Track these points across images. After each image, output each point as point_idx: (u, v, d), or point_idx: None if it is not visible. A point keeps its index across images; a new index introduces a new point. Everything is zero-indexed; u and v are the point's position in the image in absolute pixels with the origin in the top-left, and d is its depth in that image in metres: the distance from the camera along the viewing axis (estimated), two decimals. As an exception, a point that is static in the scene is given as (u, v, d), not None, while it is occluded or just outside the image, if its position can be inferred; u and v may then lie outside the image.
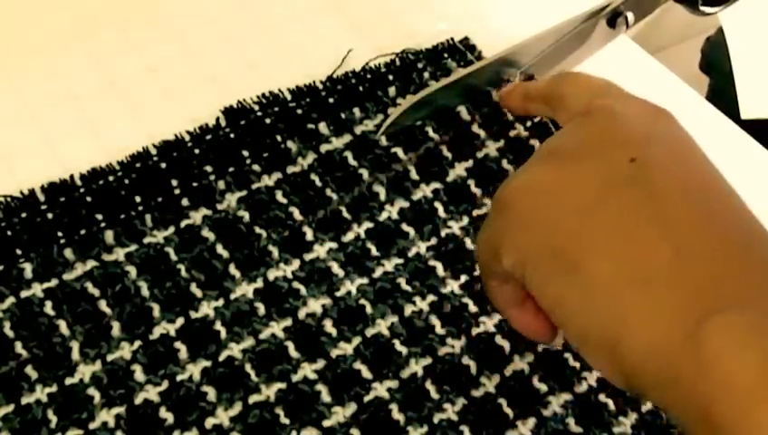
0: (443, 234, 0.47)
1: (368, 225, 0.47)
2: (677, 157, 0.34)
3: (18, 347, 0.41)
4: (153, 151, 0.48)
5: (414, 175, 0.49)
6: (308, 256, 0.45)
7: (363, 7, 0.58)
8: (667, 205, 0.32)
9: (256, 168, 0.48)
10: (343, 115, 0.50)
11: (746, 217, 0.32)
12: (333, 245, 0.46)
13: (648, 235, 0.31)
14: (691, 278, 0.30)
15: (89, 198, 0.46)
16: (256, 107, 0.50)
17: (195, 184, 0.47)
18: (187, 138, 0.49)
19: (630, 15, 0.53)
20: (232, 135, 0.49)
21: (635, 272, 0.31)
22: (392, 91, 0.52)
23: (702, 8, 0.57)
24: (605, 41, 0.54)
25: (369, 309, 0.44)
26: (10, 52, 0.54)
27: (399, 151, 0.49)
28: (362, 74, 0.52)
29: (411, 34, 0.56)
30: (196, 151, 0.48)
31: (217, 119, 0.49)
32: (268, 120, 0.50)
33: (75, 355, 0.41)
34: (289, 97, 0.51)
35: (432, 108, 0.50)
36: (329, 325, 0.43)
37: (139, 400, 0.41)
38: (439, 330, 0.44)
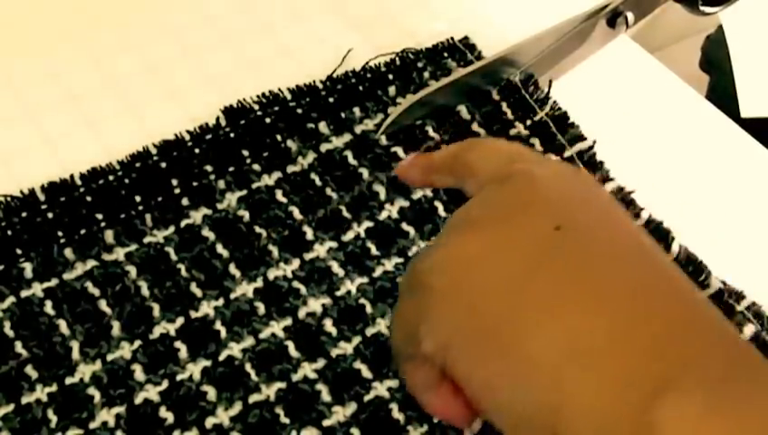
0: None
1: (368, 224, 0.47)
2: (602, 220, 0.33)
3: (18, 347, 0.41)
4: (153, 151, 0.48)
5: None
6: (308, 256, 0.45)
7: (363, 7, 0.58)
8: (598, 274, 0.30)
9: (256, 167, 0.48)
10: (343, 114, 0.50)
11: (676, 276, 0.31)
12: (333, 244, 0.46)
13: (581, 308, 0.29)
14: (632, 349, 0.28)
15: (89, 198, 0.46)
16: (256, 106, 0.50)
17: (195, 183, 0.47)
18: (187, 137, 0.49)
19: (630, 15, 0.53)
20: (232, 134, 0.49)
21: (572, 348, 0.29)
22: (392, 90, 0.51)
23: (702, 8, 0.57)
24: (605, 41, 0.54)
25: (369, 308, 0.44)
26: (10, 51, 0.54)
27: (400, 151, 0.49)
28: (362, 74, 0.52)
29: (411, 34, 0.56)
30: (197, 151, 0.48)
31: (217, 118, 0.49)
32: (268, 120, 0.50)
33: (75, 355, 0.41)
34: (289, 96, 0.51)
35: (432, 107, 0.50)
36: (329, 325, 0.43)
37: (139, 399, 0.41)
38: None
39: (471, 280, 0.31)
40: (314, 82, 0.52)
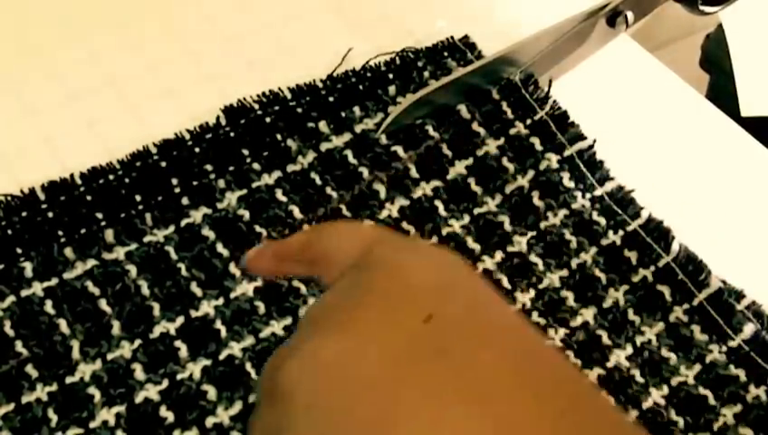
0: (444, 232, 0.47)
1: (368, 223, 0.47)
2: (476, 308, 0.30)
3: (18, 346, 0.41)
4: (153, 150, 0.48)
5: (414, 173, 0.49)
6: None
7: (363, 6, 0.58)
8: (477, 372, 0.27)
9: (256, 166, 0.48)
10: (343, 114, 0.50)
11: (559, 363, 0.30)
12: None
13: (461, 414, 0.26)
14: None
15: (89, 197, 0.46)
16: (256, 106, 0.50)
17: (195, 183, 0.47)
18: (188, 136, 0.49)
19: (630, 14, 0.53)
20: (232, 134, 0.49)
21: None
22: (392, 89, 0.52)
23: (702, 7, 0.57)
24: (605, 40, 0.54)
25: None
26: (10, 51, 0.54)
27: (399, 150, 0.49)
28: (362, 73, 0.53)
29: (411, 33, 0.56)
30: (197, 150, 0.48)
31: (217, 117, 0.50)
32: (268, 119, 0.50)
33: (75, 354, 0.41)
34: (289, 96, 0.51)
35: (432, 106, 0.50)
36: (329, 324, 0.43)
37: (139, 398, 0.41)
38: None
39: (336, 387, 0.28)
40: (314, 81, 0.52)
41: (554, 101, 0.51)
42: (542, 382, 0.28)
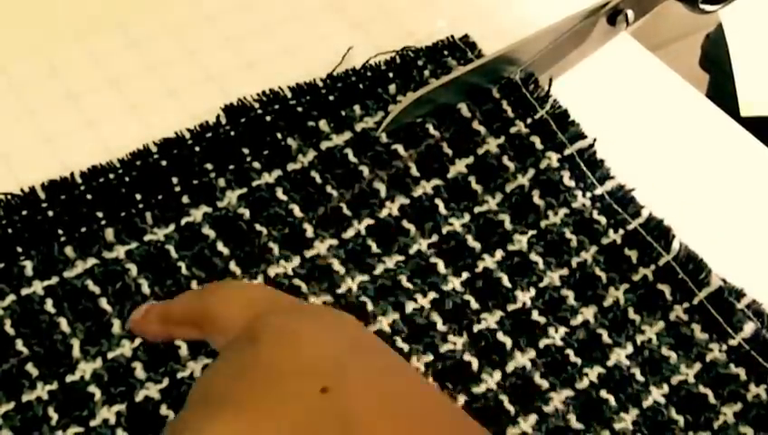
0: (444, 231, 0.47)
1: (368, 221, 0.47)
2: (374, 375, 0.29)
3: (19, 344, 0.41)
4: (153, 149, 0.48)
5: (414, 172, 0.49)
6: (308, 253, 0.46)
7: (363, 5, 0.58)
8: None
9: (257, 165, 0.48)
10: (343, 112, 0.50)
11: (465, 423, 0.30)
12: (334, 241, 0.46)
13: None
14: None
15: (89, 196, 0.46)
16: (257, 105, 0.50)
17: (195, 181, 0.47)
18: (188, 135, 0.49)
19: (630, 13, 0.53)
20: (232, 133, 0.49)
21: None
22: (392, 88, 0.52)
23: (702, 6, 0.57)
24: (605, 38, 0.54)
25: (370, 306, 0.44)
26: (11, 50, 0.54)
27: (400, 148, 0.49)
28: (362, 72, 0.53)
29: (411, 32, 0.56)
30: (197, 149, 0.48)
31: (218, 116, 0.50)
32: (268, 118, 0.50)
33: (76, 353, 0.41)
34: (289, 95, 0.51)
35: (433, 105, 0.50)
36: (329, 322, 0.43)
37: (139, 397, 0.41)
38: (441, 327, 0.44)
39: None
40: (315, 80, 0.52)
41: (555, 100, 0.51)
42: None
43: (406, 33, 0.56)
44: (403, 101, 0.50)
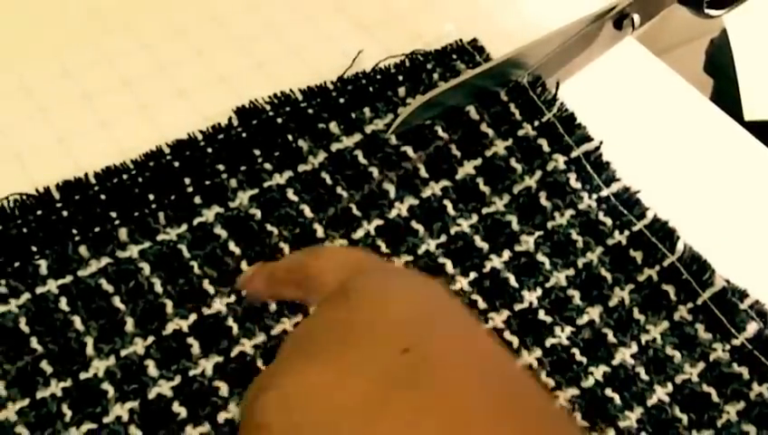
0: (452, 231, 0.47)
1: (378, 222, 0.47)
2: (455, 341, 0.30)
3: (34, 342, 0.42)
4: (166, 150, 0.48)
5: (423, 173, 0.49)
6: None
7: (373, 9, 0.59)
8: (454, 405, 0.27)
9: (268, 166, 0.48)
10: (353, 115, 0.51)
11: (534, 393, 0.29)
12: (343, 242, 0.46)
13: None
14: None
15: (103, 196, 0.46)
16: (268, 107, 0.51)
17: (207, 182, 0.48)
18: (200, 137, 0.49)
19: (636, 17, 0.53)
20: (244, 134, 0.49)
21: None
22: (402, 91, 0.52)
23: (707, 11, 0.58)
24: (611, 42, 0.55)
25: None
26: (25, 51, 0.54)
27: (409, 150, 0.50)
28: (372, 75, 0.53)
29: (420, 36, 0.56)
30: (209, 150, 0.49)
31: (230, 118, 0.50)
32: (279, 120, 0.50)
33: (89, 350, 0.42)
34: (300, 97, 0.51)
35: (442, 108, 0.51)
36: (339, 321, 0.44)
37: (152, 394, 0.41)
38: None
39: (313, 418, 0.27)
40: (325, 82, 0.52)
41: (561, 103, 0.52)
42: (521, 411, 0.28)
43: (415, 37, 0.56)
44: (412, 103, 0.50)
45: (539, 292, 0.46)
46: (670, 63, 0.61)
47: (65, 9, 0.57)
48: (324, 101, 0.51)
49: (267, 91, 0.51)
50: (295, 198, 0.48)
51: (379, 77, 0.53)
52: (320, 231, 0.47)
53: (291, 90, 0.51)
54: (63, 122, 0.51)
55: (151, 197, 0.47)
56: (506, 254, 0.47)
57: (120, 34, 0.56)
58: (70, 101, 0.52)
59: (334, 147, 0.50)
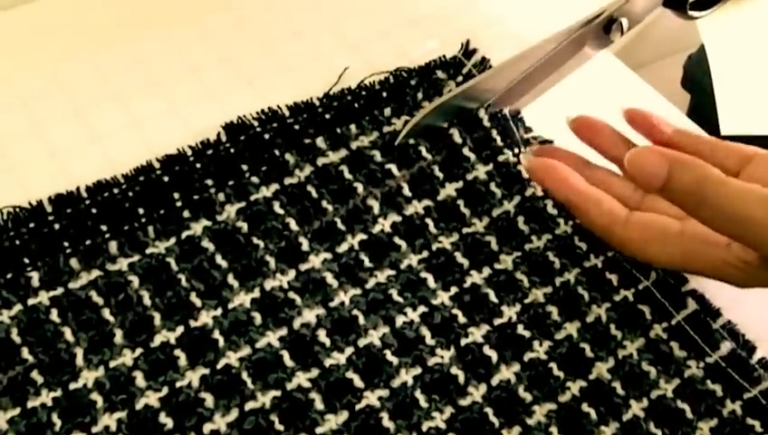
0: (434, 247, 0.48)
1: (361, 236, 0.48)
2: None
3: (25, 352, 0.42)
4: (156, 165, 0.49)
5: (406, 191, 0.50)
6: (303, 267, 0.47)
7: (359, 27, 0.59)
8: None
9: (255, 180, 0.49)
10: (339, 130, 0.52)
11: None
12: (328, 255, 0.47)
13: None
14: None
15: (94, 210, 0.47)
16: (255, 123, 0.51)
17: (196, 196, 0.48)
18: (189, 152, 0.50)
19: (625, 21, 0.53)
20: (232, 150, 0.50)
21: None
22: (388, 111, 0.53)
23: (690, 12, 0.58)
24: (600, 46, 0.54)
25: (361, 320, 0.45)
26: (18, 66, 0.55)
27: (394, 168, 0.51)
28: (357, 91, 0.54)
29: (405, 53, 0.57)
30: (198, 165, 0.49)
31: (218, 134, 0.51)
32: (267, 136, 0.51)
33: (79, 361, 0.43)
34: (287, 113, 0.52)
35: (453, 113, 0.52)
36: (323, 335, 0.45)
37: (139, 405, 0.42)
38: (429, 340, 0.45)
39: None
40: (311, 99, 0.53)
41: (538, 136, 0.53)
42: None
43: (400, 54, 0.57)
44: (425, 107, 0.51)
45: (518, 307, 0.47)
46: (648, 78, 0.62)
47: (60, 24, 0.57)
48: (311, 117, 0.52)
49: (255, 108, 0.52)
50: (281, 211, 0.48)
51: (364, 93, 0.54)
52: (305, 245, 0.47)
53: (278, 106, 0.52)
54: (56, 136, 0.52)
55: (141, 210, 0.47)
56: (486, 271, 0.48)
57: (114, 50, 0.56)
58: (63, 116, 0.53)
59: (320, 161, 0.50)
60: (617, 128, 0.50)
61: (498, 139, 0.52)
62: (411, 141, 0.52)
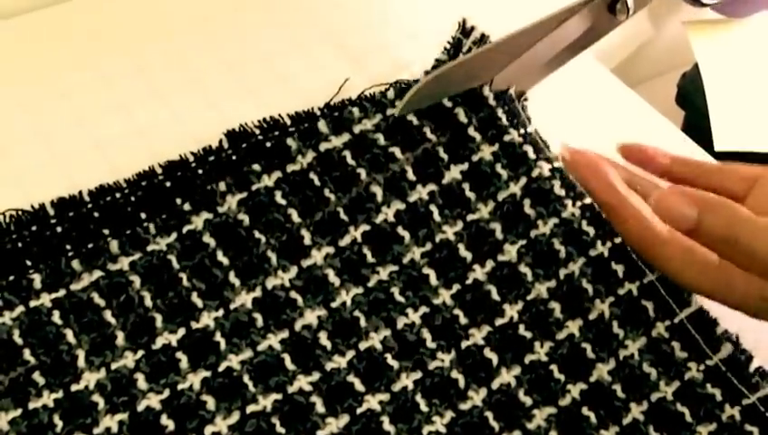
0: (437, 239, 0.48)
1: (364, 227, 0.48)
2: None
3: (26, 354, 0.43)
4: (159, 170, 0.49)
5: (411, 175, 0.49)
6: (305, 263, 0.46)
7: (360, 38, 0.60)
8: None
9: (257, 167, 0.49)
10: (341, 114, 0.51)
11: None
12: (330, 250, 0.47)
13: None
14: None
15: (96, 214, 0.47)
16: (257, 131, 0.51)
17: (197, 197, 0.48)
18: (191, 158, 0.50)
19: (630, 1, 0.51)
20: (234, 156, 0.50)
21: None
22: (390, 93, 0.52)
23: (702, 0, 0.58)
24: (605, 28, 0.53)
25: (362, 322, 0.45)
26: (21, 73, 0.55)
27: (397, 151, 0.50)
28: (358, 102, 0.53)
29: (405, 65, 0.57)
30: (200, 171, 0.49)
31: (220, 141, 0.51)
32: (269, 144, 0.51)
33: (81, 363, 0.43)
34: (288, 122, 0.52)
35: (455, 90, 0.51)
36: (324, 338, 0.45)
37: (141, 407, 0.42)
38: (430, 343, 0.45)
39: None
40: (312, 108, 0.53)
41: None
42: None
43: (400, 66, 0.57)
44: (421, 80, 0.51)
45: (520, 305, 0.46)
46: (643, 95, 0.63)
47: (63, 32, 0.58)
48: (311, 128, 0.52)
49: (257, 117, 0.52)
50: (283, 202, 0.48)
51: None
52: (307, 238, 0.47)
53: (279, 115, 0.52)
54: (59, 142, 0.52)
55: (143, 215, 0.47)
56: (489, 264, 0.47)
57: (118, 58, 0.57)
58: (66, 123, 0.53)
59: (323, 147, 0.50)
60: (608, 145, 0.51)
61: (504, 118, 0.51)
62: (415, 122, 0.51)
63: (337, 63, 0.58)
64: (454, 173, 0.50)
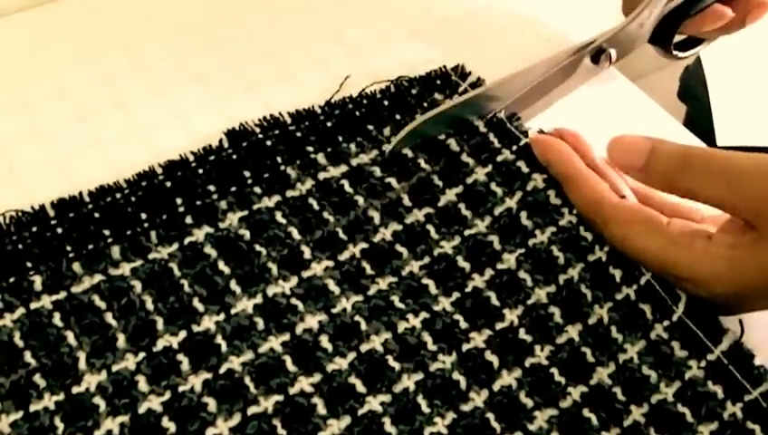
0: (435, 253, 0.48)
1: (363, 245, 0.48)
2: None
3: (27, 356, 0.42)
4: (159, 170, 0.49)
5: (407, 202, 0.50)
6: (305, 274, 0.47)
7: (361, 36, 0.60)
8: None
9: (257, 190, 0.49)
10: (340, 148, 0.52)
11: None
12: (330, 263, 0.47)
13: None
14: None
15: (96, 215, 0.47)
16: (257, 129, 0.51)
17: (198, 202, 0.48)
18: (191, 158, 0.50)
19: (613, 52, 0.54)
20: (234, 156, 0.50)
21: None
22: (387, 131, 0.53)
23: (675, 52, 0.59)
24: (588, 76, 0.56)
25: (363, 325, 0.45)
26: (21, 72, 0.55)
27: (393, 181, 0.51)
28: (358, 100, 0.54)
29: (406, 62, 0.57)
30: (200, 171, 0.50)
31: (220, 140, 0.51)
32: (269, 142, 0.51)
33: (82, 365, 0.42)
34: (289, 120, 0.52)
35: (447, 123, 0.52)
36: (325, 341, 0.45)
37: (142, 409, 0.42)
38: (431, 346, 0.45)
39: None
40: (313, 106, 0.53)
41: (540, 129, 0.53)
42: None
43: (401, 64, 0.57)
44: (417, 118, 0.52)
45: (520, 310, 0.47)
46: (645, 89, 0.62)
47: (63, 30, 0.58)
48: (312, 125, 0.52)
49: (257, 115, 0.52)
50: (283, 221, 0.48)
51: (365, 102, 0.54)
52: (307, 253, 0.48)
53: (279, 113, 0.52)
54: (59, 141, 0.52)
55: (143, 215, 0.47)
56: (488, 272, 0.48)
57: (117, 56, 0.57)
58: (65, 122, 0.53)
59: (321, 176, 0.51)
60: (597, 146, 0.51)
61: (496, 141, 0.52)
62: (410, 154, 0.52)
63: (337, 60, 0.58)
64: (449, 196, 0.51)
